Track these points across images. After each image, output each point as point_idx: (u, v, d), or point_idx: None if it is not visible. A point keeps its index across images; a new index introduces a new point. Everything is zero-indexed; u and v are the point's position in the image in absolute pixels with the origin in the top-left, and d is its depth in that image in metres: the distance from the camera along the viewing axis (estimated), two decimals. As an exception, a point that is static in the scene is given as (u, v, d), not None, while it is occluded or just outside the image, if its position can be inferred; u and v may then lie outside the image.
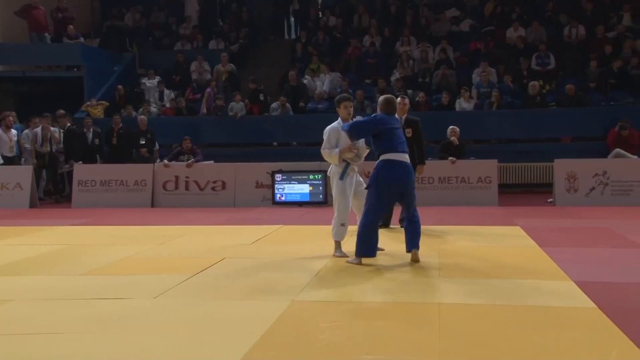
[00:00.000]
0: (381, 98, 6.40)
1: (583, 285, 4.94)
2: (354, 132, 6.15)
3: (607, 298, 4.57)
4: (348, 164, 6.45)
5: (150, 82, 16.46)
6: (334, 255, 6.47)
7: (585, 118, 13.63)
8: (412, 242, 6.05)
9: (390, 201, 6.42)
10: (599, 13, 16.67)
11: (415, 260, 6.00)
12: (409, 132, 7.93)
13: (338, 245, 6.51)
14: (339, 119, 6.56)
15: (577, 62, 15.18)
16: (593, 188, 11.01)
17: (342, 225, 6.44)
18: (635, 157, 11.70)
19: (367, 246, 6.02)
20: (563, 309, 4.38)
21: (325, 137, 6.56)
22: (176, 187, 12.35)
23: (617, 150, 11.94)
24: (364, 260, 6.09)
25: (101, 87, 16.73)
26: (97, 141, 13.80)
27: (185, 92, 16.37)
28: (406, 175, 6.05)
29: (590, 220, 9.05)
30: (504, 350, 3.55)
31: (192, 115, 15.50)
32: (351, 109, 6.56)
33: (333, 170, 6.56)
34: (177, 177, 12.36)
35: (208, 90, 15.56)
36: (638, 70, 14.46)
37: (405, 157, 6.08)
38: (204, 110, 15.27)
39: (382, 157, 6.05)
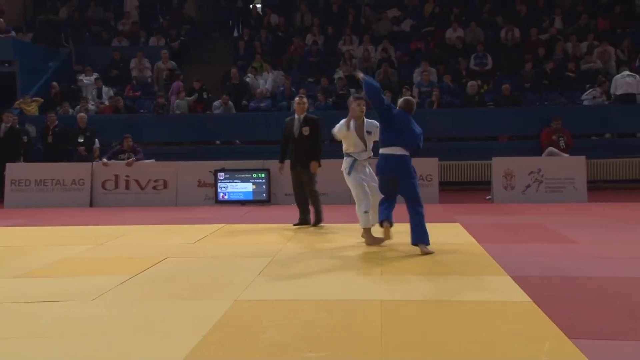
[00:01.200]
0: (401, 100, 6.82)
1: (519, 280, 5.10)
2: (370, 88, 6.52)
3: (541, 291, 4.74)
4: (355, 160, 6.89)
5: (88, 79, 16.03)
6: (367, 244, 6.72)
7: (520, 117, 14.06)
8: (414, 236, 6.33)
9: (388, 191, 6.55)
10: (533, 16, 17.25)
11: (423, 253, 6.26)
12: (306, 130, 8.38)
13: (367, 232, 6.74)
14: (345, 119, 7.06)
15: (513, 63, 15.66)
16: (529, 185, 11.38)
17: (366, 212, 6.75)
18: (567, 155, 12.16)
19: (381, 213, 6.44)
20: (500, 303, 4.52)
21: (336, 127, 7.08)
22: (116, 187, 12.09)
23: (551, 148, 12.38)
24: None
25: (35, 83, 16.17)
26: (25, 139, 13.34)
27: (124, 89, 16.01)
28: (397, 167, 6.35)
29: (526, 217, 9.34)
30: (443, 345, 3.63)
31: (132, 113, 15.19)
32: (364, 107, 7.07)
33: (344, 166, 6.94)
34: (116, 176, 12.09)
35: (177, 83, 15.34)
36: (570, 71, 15.02)
37: (399, 150, 6.35)
38: (174, 104, 15.05)
39: (380, 151, 6.49)
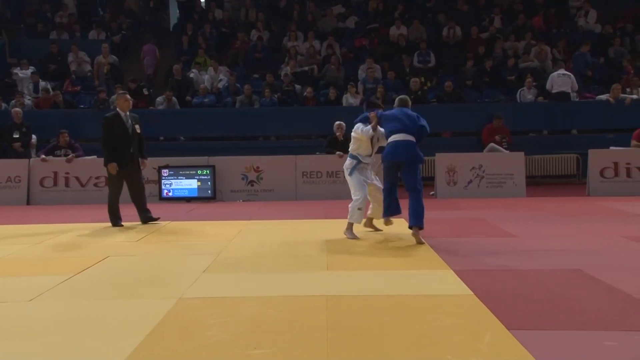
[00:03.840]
0: (397, 99, 7.36)
1: (461, 274, 5.22)
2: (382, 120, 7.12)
3: (482, 284, 4.86)
4: (359, 162, 7.16)
5: (24, 73, 15.44)
6: (345, 235, 7.08)
7: (462, 114, 14.35)
8: (413, 219, 6.73)
9: (391, 179, 7.02)
10: (473, 15, 17.63)
11: (414, 236, 6.72)
12: (137, 127, 8.53)
13: (351, 227, 7.11)
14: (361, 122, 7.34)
15: (455, 61, 15.96)
16: (471, 181, 11.64)
17: (360, 209, 7.04)
18: (507, 151, 12.49)
19: (387, 209, 6.95)
20: (443, 296, 4.61)
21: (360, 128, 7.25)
22: (55, 184, 11.74)
23: (492, 144, 12.69)
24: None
25: (-36, 77, 15.52)
26: None
27: (63, 83, 15.53)
28: (403, 152, 6.75)
29: (468, 212, 9.56)
30: (388, 339, 3.68)
31: (71, 109, 14.74)
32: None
33: (346, 165, 7.26)
34: (55, 173, 11.74)
35: (149, 46, 15.01)
36: (511, 72, 15.42)
37: (404, 136, 6.77)
38: (149, 71, 15.16)
39: (387, 141, 6.90)
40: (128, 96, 8.75)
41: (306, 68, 15.67)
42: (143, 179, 8.88)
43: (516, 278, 5.16)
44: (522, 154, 11.90)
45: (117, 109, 8.54)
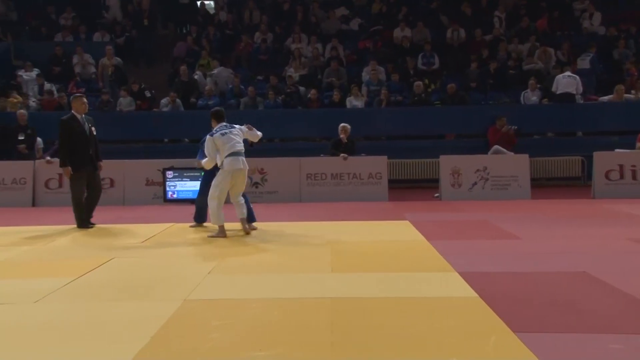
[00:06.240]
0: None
1: (466, 276, 5.21)
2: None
3: (487, 287, 4.85)
4: None
5: (28, 75, 15.49)
6: (248, 229, 7.69)
7: (466, 116, 14.33)
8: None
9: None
10: (477, 17, 17.59)
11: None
12: (94, 129, 8.60)
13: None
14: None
15: (459, 63, 15.94)
16: (475, 183, 11.61)
17: None
18: (512, 153, 12.47)
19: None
20: (448, 299, 4.60)
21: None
22: (60, 185, 11.74)
23: (496, 147, 12.67)
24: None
25: (-30, 78, 15.54)
26: None
27: (68, 85, 15.56)
28: None
29: (472, 214, 9.53)
30: (393, 342, 3.68)
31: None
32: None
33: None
34: (61, 175, 11.71)
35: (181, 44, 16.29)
36: (513, 71, 15.40)
37: None
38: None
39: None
40: (84, 99, 8.77)
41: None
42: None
43: (521, 280, 5.14)
44: (526, 156, 11.87)
45: (73, 111, 8.55)
